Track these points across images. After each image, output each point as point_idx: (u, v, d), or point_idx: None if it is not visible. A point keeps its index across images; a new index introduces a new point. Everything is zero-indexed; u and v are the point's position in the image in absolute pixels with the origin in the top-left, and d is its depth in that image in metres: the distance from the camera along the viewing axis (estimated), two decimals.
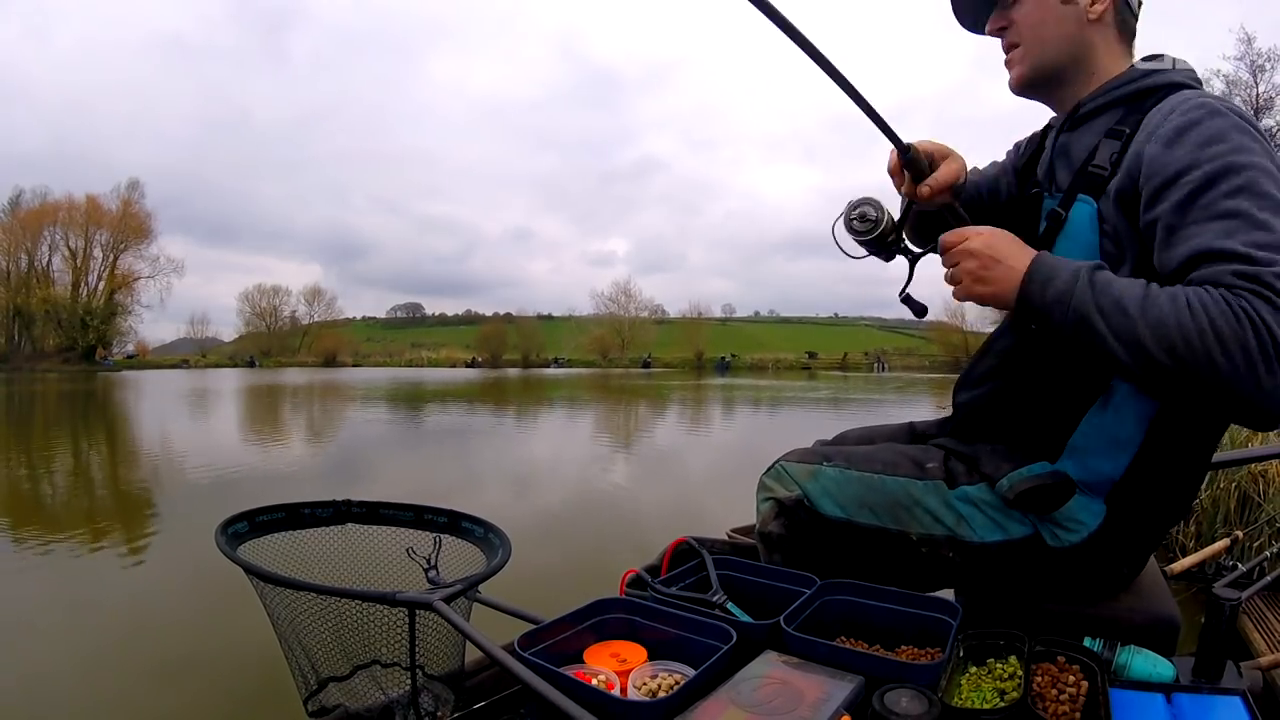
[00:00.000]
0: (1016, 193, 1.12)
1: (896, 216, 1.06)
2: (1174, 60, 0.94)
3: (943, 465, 1.03)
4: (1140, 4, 0.98)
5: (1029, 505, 0.93)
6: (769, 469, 1.17)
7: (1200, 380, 0.72)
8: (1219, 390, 0.71)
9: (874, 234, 1.04)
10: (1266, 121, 15.99)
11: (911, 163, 0.98)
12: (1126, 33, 0.97)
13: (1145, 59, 0.97)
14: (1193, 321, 0.71)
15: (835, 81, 0.81)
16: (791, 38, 0.76)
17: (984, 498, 0.98)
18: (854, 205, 1.05)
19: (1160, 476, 0.92)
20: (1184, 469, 0.94)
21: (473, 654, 1.11)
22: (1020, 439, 0.98)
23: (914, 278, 1.06)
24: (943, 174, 0.99)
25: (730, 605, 1.03)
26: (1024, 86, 1.01)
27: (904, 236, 1.06)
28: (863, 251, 1.07)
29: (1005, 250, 0.87)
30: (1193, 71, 0.94)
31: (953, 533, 0.98)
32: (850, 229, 1.06)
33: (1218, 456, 1.13)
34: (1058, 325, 0.81)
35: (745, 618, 0.99)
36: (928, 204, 1.01)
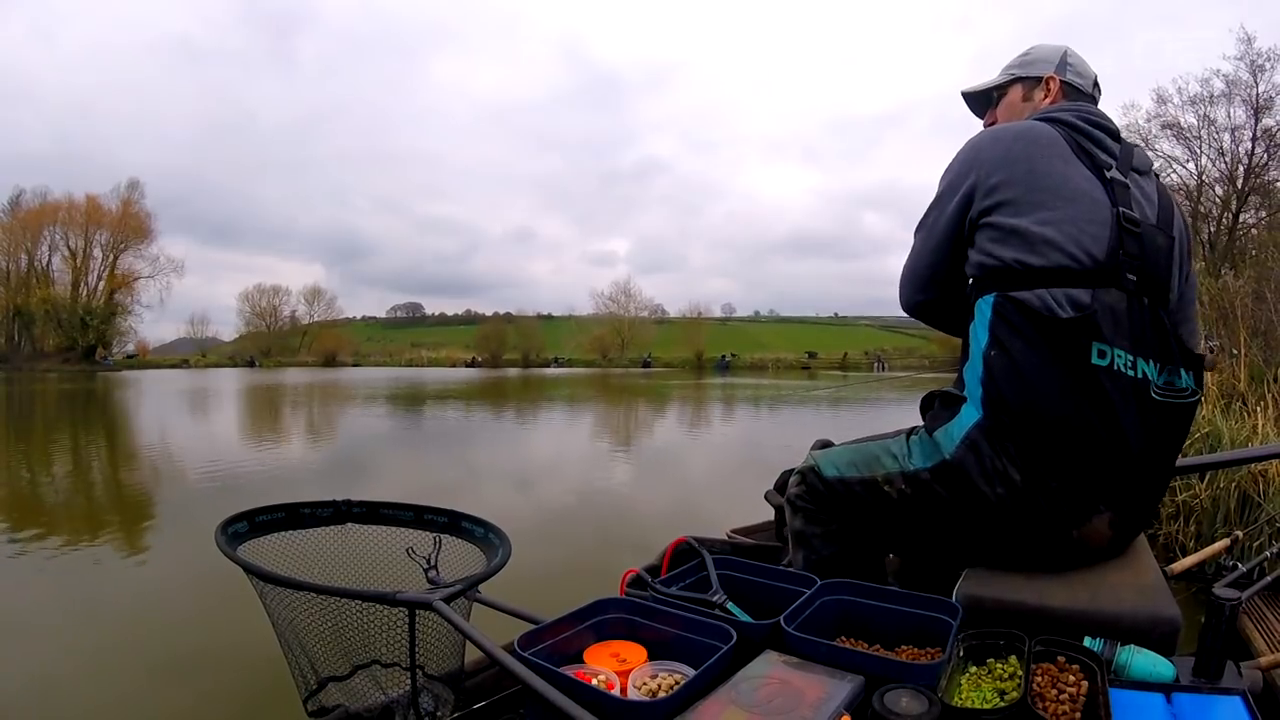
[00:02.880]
0: None
1: None
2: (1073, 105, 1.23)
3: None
4: (1084, 73, 1.29)
5: (938, 411, 1.15)
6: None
7: None
8: None
9: None
10: (1267, 121, 15.96)
11: None
12: (1082, 96, 1.29)
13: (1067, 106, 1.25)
14: None
15: None
16: None
17: (923, 436, 1.16)
18: None
19: (1011, 381, 1.04)
20: (1032, 376, 1.03)
21: (473, 654, 1.11)
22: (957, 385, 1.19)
23: None
24: None
25: (730, 605, 1.03)
26: None
27: None
28: None
29: None
30: (1075, 110, 1.19)
31: (902, 468, 1.15)
32: None
33: (1217, 456, 1.15)
34: None
35: (745, 618, 1.00)
36: None
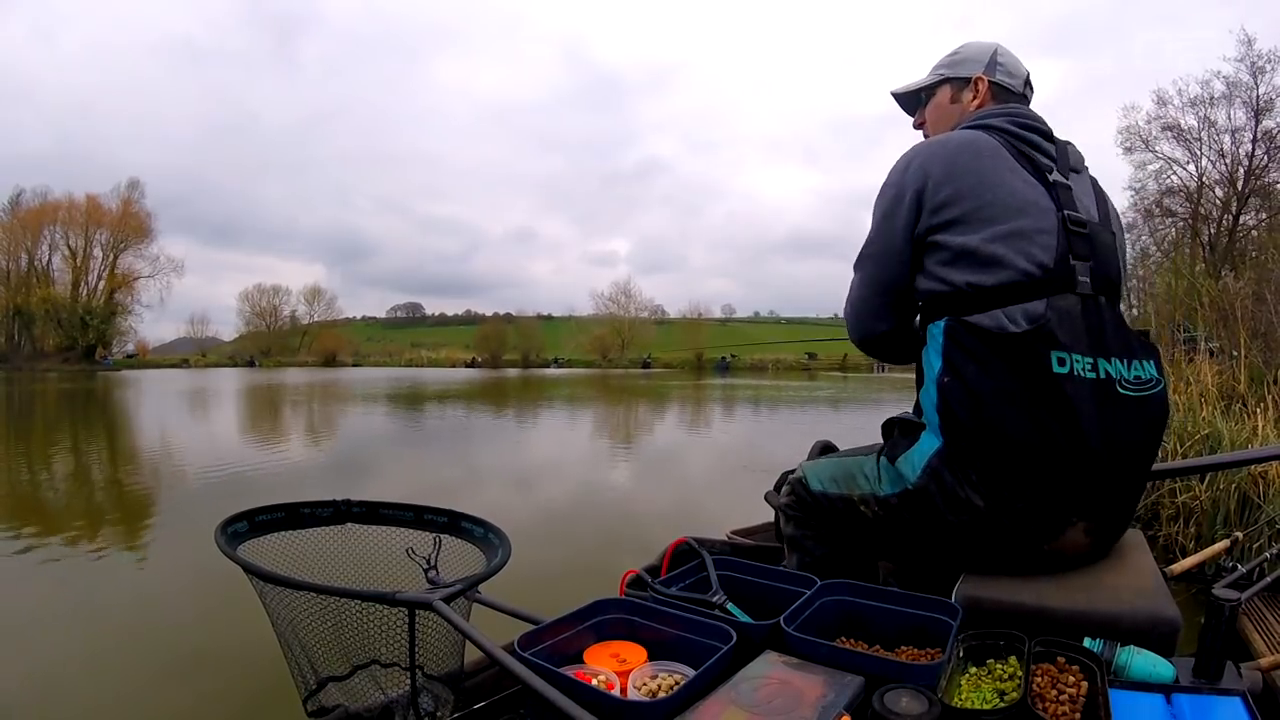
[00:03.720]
0: None
1: None
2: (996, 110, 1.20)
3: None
4: (1015, 72, 1.26)
5: (898, 439, 1.13)
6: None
7: None
8: None
9: None
10: (1267, 123, 15.97)
11: None
12: (1012, 97, 1.25)
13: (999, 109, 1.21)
14: None
15: None
16: None
17: (886, 463, 1.15)
18: None
19: (967, 406, 1.02)
20: (988, 398, 1.01)
21: (472, 654, 1.11)
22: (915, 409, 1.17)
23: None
24: None
25: (730, 606, 1.03)
26: None
27: None
28: None
29: None
30: (1008, 115, 1.17)
31: (874, 491, 1.15)
32: None
33: (1217, 458, 1.15)
34: None
35: (745, 618, 1.00)
36: None
